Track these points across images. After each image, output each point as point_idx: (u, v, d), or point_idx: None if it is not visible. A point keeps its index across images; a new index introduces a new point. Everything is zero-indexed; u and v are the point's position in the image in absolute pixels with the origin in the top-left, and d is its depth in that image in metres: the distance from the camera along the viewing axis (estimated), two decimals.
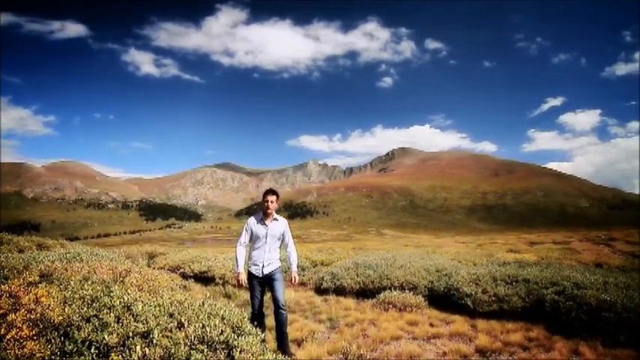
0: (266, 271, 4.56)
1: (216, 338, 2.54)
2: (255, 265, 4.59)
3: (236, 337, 2.64)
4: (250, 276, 4.60)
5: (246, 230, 4.69)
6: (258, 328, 3.42)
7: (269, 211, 4.64)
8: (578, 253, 26.78)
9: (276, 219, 4.70)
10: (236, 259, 4.57)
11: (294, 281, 4.67)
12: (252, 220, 4.71)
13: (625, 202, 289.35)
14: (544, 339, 5.15)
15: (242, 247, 4.65)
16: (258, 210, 4.80)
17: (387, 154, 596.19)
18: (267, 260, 4.60)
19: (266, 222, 4.65)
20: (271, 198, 4.66)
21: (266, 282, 4.60)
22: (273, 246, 4.68)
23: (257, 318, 4.46)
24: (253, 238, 4.68)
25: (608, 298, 5.26)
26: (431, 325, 5.98)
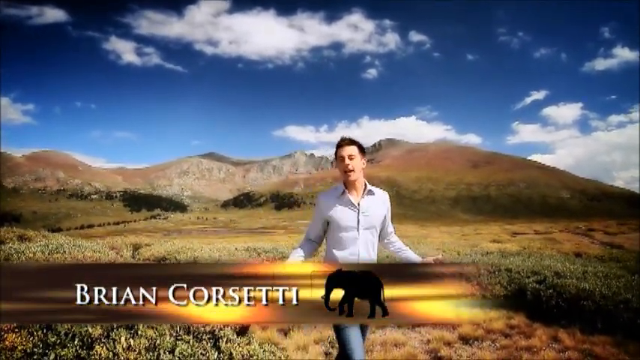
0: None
1: (202, 328, 2.54)
2: None
3: (222, 327, 2.64)
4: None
5: (317, 217, 2.57)
6: None
7: (352, 175, 2.46)
8: (559, 243, 27.47)
9: (370, 192, 2.54)
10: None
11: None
12: (326, 198, 2.55)
13: (604, 194, 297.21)
14: (525, 326, 5.28)
15: (304, 246, 2.56)
16: (336, 184, 2.65)
17: (374, 145, 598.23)
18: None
19: (351, 197, 2.50)
20: (350, 150, 2.48)
21: None
22: (371, 242, 2.51)
23: None
24: (332, 230, 2.51)
25: (587, 287, 5.40)
26: None
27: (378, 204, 2.55)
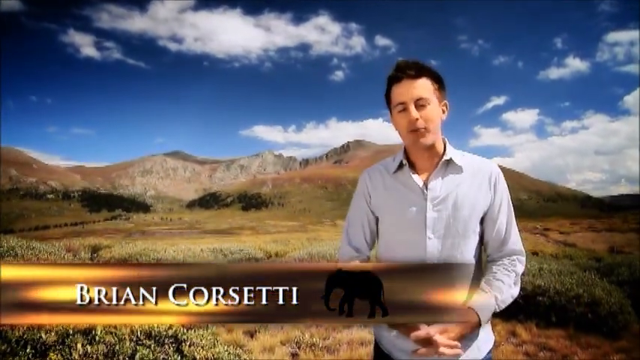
0: None
1: (164, 332, 2.46)
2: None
3: (185, 330, 2.57)
4: None
5: (358, 209, 1.41)
6: None
7: (424, 138, 1.23)
8: None
9: (450, 163, 1.29)
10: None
11: None
12: (373, 176, 1.41)
13: (559, 195, 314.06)
14: None
15: (347, 254, 1.38)
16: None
17: (343, 146, 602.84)
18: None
19: (415, 174, 1.30)
20: (419, 89, 1.21)
21: None
22: (456, 252, 1.24)
23: None
24: (383, 232, 1.35)
25: (543, 284, 5.68)
26: None
27: (468, 185, 1.29)
